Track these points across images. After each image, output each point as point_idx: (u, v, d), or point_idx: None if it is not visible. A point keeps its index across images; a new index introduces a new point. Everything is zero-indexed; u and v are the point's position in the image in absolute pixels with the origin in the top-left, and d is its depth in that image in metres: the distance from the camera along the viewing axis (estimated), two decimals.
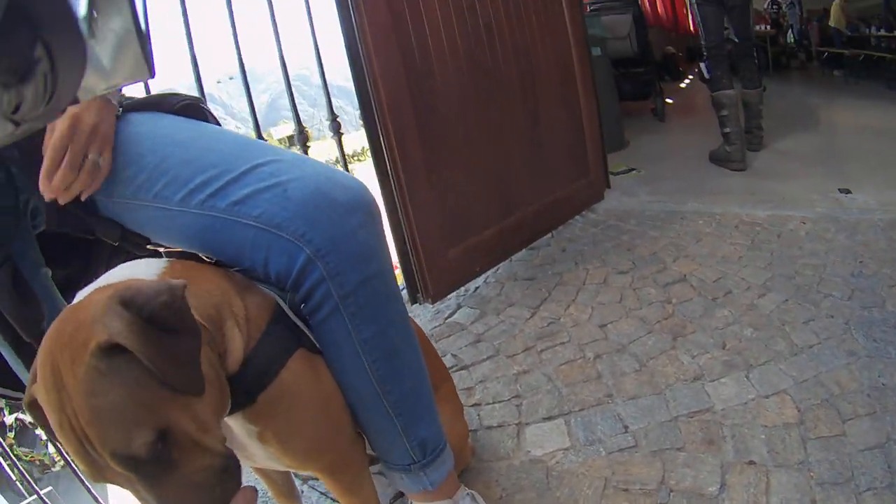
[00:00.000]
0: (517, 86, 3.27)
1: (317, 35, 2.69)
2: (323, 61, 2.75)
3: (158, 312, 0.85)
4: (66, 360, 0.82)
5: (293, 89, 2.67)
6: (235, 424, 1.09)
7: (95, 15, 0.79)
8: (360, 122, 2.75)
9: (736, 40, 4.86)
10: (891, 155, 4.62)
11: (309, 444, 1.19)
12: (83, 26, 0.73)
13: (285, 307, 1.13)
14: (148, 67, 0.94)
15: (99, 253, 1.41)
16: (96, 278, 1.22)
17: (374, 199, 1.23)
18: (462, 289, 3.04)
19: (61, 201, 1.15)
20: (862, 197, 3.67)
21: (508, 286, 2.98)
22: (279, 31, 2.51)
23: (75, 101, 0.86)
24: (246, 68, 2.49)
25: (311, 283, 1.15)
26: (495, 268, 3.21)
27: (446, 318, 2.77)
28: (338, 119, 2.74)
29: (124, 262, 1.53)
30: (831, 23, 11.07)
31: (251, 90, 2.56)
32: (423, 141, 2.78)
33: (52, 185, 1.13)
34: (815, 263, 2.77)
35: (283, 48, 2.58)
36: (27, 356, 1.23)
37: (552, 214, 3.54)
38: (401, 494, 1.74)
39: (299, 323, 1.16)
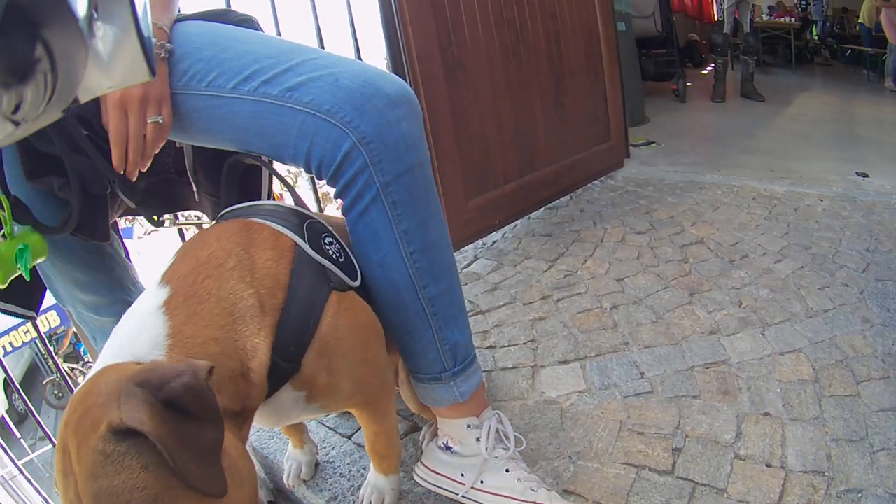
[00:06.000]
0: (543, 46, 3.26)
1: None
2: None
3: (179, 395, 0.75)
4: (74, 444, 0.74)
5: None
6: (283, 397, 1.08)
7: (95, 15, 0.79)
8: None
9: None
10: None
11: (353, 387, 1.19)
12: (83, 26, 0.73)
13: (306, 247, 1.12)
14: (149, 68, 0.94)
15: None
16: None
17: (416, 98, 1.24)
18: (480, 241, 3.05)
19: (142, 169, 1.23)
20: (879, 181, 3.69)
21: (526, 241, 2.99)
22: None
23: (76, 102, 0.86)
24: None
25: (354, 170, 1.17)
26: (513, 224, 3.22)
27: (463, 268, 2.78)
28: None
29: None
30: (860, 20, 11.00)
31: None
32: (450, 91, 2.79)
33: (128, 169, 1.21)
34: (830, 237, 2.78)
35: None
36: None
37: (572, 176, 3.54)
38: (411, 430, 1.77)
39: (323, 261, 1.14)
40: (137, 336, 0.90)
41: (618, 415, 1.75)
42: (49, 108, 0.76)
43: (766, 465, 1.52)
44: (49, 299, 1.55)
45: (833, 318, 2.12)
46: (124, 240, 1.70)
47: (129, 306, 1.50)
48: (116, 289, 1.52)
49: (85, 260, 1.42)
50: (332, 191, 1.25)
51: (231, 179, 1.38)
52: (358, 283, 1.21)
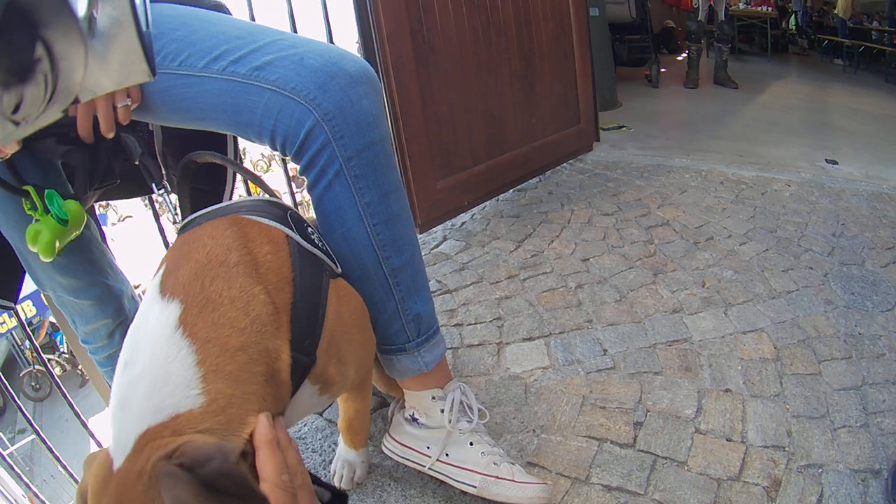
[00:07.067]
0: (513, 29, 3.25)
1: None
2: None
3: (213, 479, 0.72)
4: None
5: None
6: (303, 393, 1.04)
7: (95, 15, 0.78)
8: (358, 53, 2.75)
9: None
10: (880, 136, 4.71)
11: (356, 372, 1.21)
12: (83, 26, 0.72)
13: (298, 238, 1.10)
14: (149, 68, 0.93)
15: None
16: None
17: (377, 76, 1.26)
18: (448, 222, 3.04)
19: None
20: (848, 168, 3.74)
21: (494, 222, 2.99)
22: None
23: (76, 102, 0.85)
24: None
25: (317, 145, 1.19)
26: (482, 205, 3.21)
27: (432, 249, 2.77)
28: None
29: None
30: (836, 12, 11.11)
31: None
32: (419, 73, 2.78)
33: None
34: (797, 221, 2.81)
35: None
36: None
37: (541, 158, 3.54)
38: (379, 406, 1.77)
39: (314, 250, 1.13)
40: (166, 380, 0.81)
41: (581, 390, 1.75)
42: (49, 107, 0.75)
43: (727, 440, 1.54)
44: (26, 288, 1.61)
45: (796, 300, 2.14)
46: (101, 225, 1.77)
47: (107, 289, 1.58)
48: (94, 271, 1.58)
49: None
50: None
51: (185, 178, 1.38)
52: (340, 270, 1.23)
